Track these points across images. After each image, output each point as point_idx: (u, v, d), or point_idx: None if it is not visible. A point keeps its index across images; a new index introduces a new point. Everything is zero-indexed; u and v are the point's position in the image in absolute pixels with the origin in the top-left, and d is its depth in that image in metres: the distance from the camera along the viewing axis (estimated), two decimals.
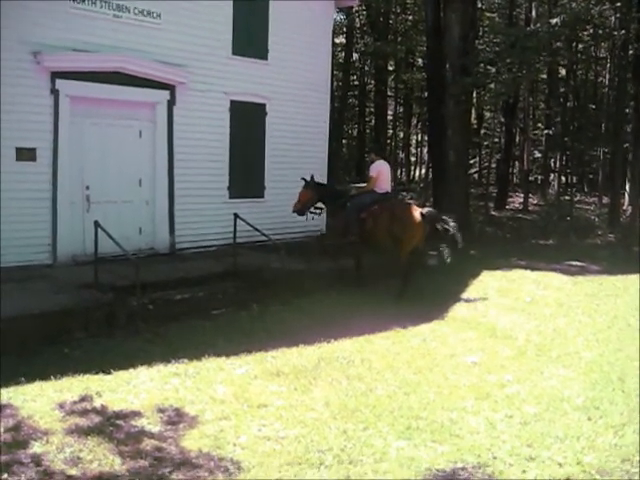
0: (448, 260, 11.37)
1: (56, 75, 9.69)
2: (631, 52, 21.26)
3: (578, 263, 13.89)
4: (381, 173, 10.63)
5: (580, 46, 26.28)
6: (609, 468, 4.65)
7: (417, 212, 10.13)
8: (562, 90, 27.25)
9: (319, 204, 10.97)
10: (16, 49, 9.23)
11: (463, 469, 4.59)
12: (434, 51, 18.82)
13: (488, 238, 18.14)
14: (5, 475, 4.29)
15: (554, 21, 17.70)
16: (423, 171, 35.80)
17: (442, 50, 17.54)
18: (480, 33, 23.48)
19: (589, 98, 31.47)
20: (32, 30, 9.34)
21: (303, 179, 10.82)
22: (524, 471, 4.59)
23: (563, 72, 28.27)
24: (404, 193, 30.89)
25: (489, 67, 20.41)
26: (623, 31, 20.13)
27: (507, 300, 10.21)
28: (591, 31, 25.65)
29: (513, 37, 18.04)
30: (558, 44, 21.17)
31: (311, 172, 10.96)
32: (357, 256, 10.73)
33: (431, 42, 19.56)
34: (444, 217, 10.20)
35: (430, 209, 11.04)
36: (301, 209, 10.80)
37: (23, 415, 5.25)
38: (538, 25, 19.13)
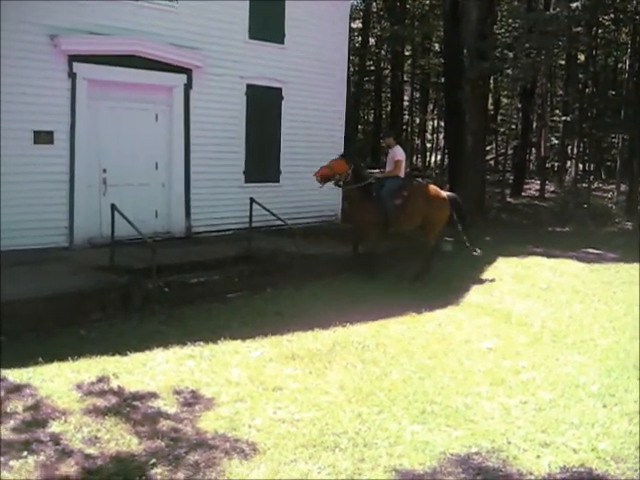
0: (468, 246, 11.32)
1: (73, 58, 9.72)
2: None
3: (595, 250, 13.79)
4: (404, 157, 10.64)
5: (600, 31, 25.92)
6: (624, 455, 4.64)
7: (444, 194, 10.49)
8: (581, 76, 26.93)
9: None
10: (33, 32, 9.26)
11: (477, 454, 4.60)
12: (451, 36, 18.66)
13: (504, 225, 18.07)
14: (25, 453, 4.35)
15: (574, 5, 17.47)
16: (439, 157, 35.62)
17: (459, 35, 17.38)
18: (498, 17, 23.21)
19: (608, 84, 31.10)
20: (49, 13, 9.36)
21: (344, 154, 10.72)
22: (538, 456, 4.59)
23: (582, 57, 27.91)
24: (419, 179, 30.75)
25: (507, 52, 20.20)
26: None
27: (523, 286, 10.17)
28: (612, 16, 25.30)
29: (532, 21, 17.84)
30: (578, 29, 20.88)
31: (327, 157, 10.82)
32: (372, 242, 10.63)
33: (448, 26, 19.38)
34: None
35: (453, 194, 11.08)
36: (328, 177, 10.04)
37: (42, 395, 5.32)
38: (558, 9, 18.88)
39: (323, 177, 10.05)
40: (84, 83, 9.89)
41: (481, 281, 10.43)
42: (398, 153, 10.51)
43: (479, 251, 11.22)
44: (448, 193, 10.87)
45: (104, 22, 9.91)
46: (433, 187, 10.91)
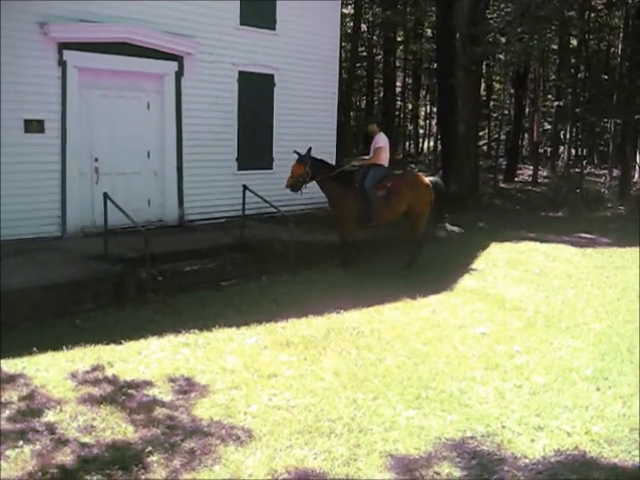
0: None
1: (63, 46, 9.63)
2: None
3: (588, 235, 13.84)
4: (387, 145, 10.18)
5: (593, 15, 25.88)
6: (617, 437, 4.68)
7: (428, 181, 10.28)
8: (573, 60, 26.91)
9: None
10: (22, 20, 9.17)
11: (472, 438, 4.63)
12: (444, 21, 18.58)
13: (497, 210, 18.10)
14: (21, 442, 4.36)
15: None
16: (432, 143, 35.59)
17: (452, 20, 17.31)
18: (490, 2, 23.14)
19: (601, 68, 31.08)
20: (38, 0, 9.25)
21: (296, 152, 9.87)
22: (533, 440, 4.63)
23: (575, 42, 27.87)
24: (412, 165, 30.73)
25: (499, 37, 20.14)
26: None
27: (516, 272, 10.20)
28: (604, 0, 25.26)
29: (524, 6, 17.76)
30: (570, 13, 20.83)
31: (320, 143, 10.72)
32: (349, 233, 10.08)
33: (441, 12, 19.30)
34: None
35: (436, 178, 10.95)
36: (294, 184, 9.74)
37: (36, 384, 5.32)
38: None
39: (291, 186, 9.78)
40: (75, 71, 9.80)
41: (475, 267, 10.44)
42: (380, 140, 10.06)
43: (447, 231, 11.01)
44: (431, 178, 10.59)
45: (94, 9, 9.81)
46: (417, 175, 10.71)
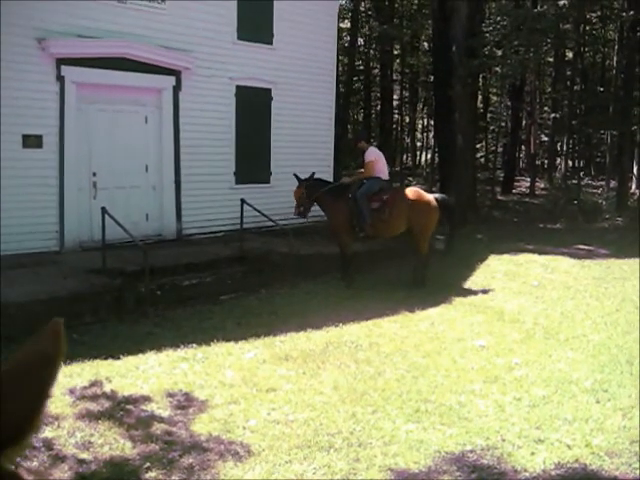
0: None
1: (61, 61, 9.68)
2: None
3: (586, 247, 13.84)
4: (380, 157, 10.06)
5: (587, 28, 26.03)
6: (618, 450, 4.65)
7: (432, 197, 10.00)
8: (569, 73, 27.05)
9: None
10: (21, 35, 9.21)
11: (472, 451, 4.60)
12: (440, 34, 18.67)
13: (495, 222, 18.11)
14: (18, 459, 4.32)
15: (561, 2, 17.52)
16: (429, 156, 35.67)
17: (448, 32, 17.41)
18: (486, 15, 23.27)
19: (597, 81, 31.22)
20: (36, 16, 9.30)
21: (295, 175, 9.96)
22: (533, 453, 4.60)
23: (570, 55, 28.03)
24: (410, 178, 30.78)
25: (495, 50, 20.25)
26: (632, 12, 19.90)
27: (515, 284, 10.19)
28: (599, 12, 25.41)
29: (521, 18, 17.88)
30: (566, 26, 20.95)
31: (317, 156, 10.75)
32: (345, 246, 10.02)
33: (437, 24, 19.40)
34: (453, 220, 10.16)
35: (443, 195, 10.81)
36: (301, 210, 9.92)
37: None
38: (545, 7, 18.92)
39: (299, 213, 9.97)
40: (73, 86, 9.84)
41: (473, 279, 10.43)
42: (370, 154, 9.97)
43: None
44: (436, 195, 10.36)
45: (92, 25, 9.87)
46: (416, 190, 10.35)
